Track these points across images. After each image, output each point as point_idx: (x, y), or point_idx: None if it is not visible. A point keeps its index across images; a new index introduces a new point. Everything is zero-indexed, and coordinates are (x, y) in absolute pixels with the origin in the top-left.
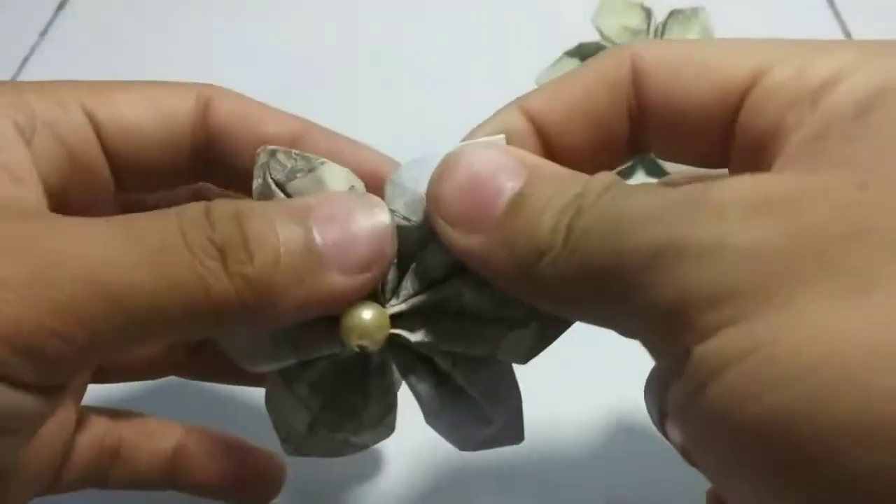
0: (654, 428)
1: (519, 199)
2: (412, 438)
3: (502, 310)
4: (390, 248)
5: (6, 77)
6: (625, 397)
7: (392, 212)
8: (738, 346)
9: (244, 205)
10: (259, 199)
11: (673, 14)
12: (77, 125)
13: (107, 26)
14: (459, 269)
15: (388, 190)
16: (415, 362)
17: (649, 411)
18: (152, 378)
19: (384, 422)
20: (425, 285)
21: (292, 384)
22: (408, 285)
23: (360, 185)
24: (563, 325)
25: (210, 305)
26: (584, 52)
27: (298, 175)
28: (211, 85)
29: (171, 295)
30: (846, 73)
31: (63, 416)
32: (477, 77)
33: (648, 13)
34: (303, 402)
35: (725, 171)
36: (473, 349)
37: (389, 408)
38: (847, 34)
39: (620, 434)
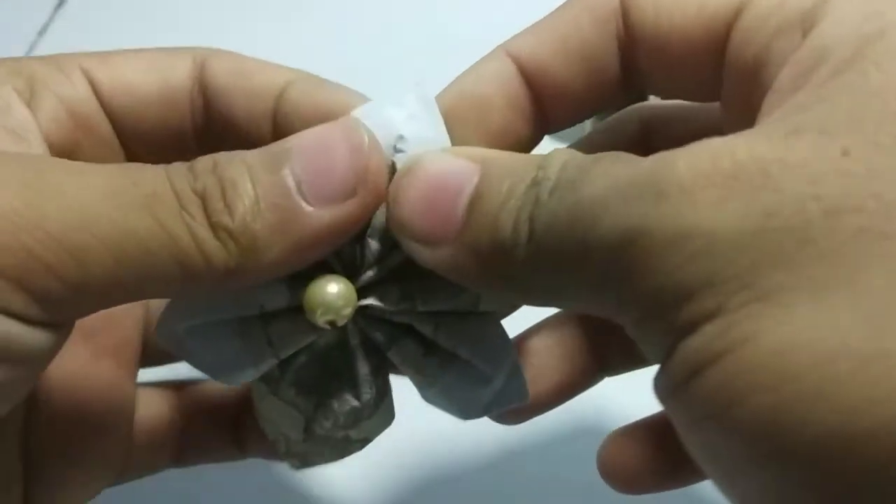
0: None
1: (476, 201)
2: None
3: None
4: (376, 164)
5: None
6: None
7: None
8: (719, 343)
9: (223, 155)
10: None
11: None
12: (77, 85)
13: (105, 25)
14: None
15: None
16: (395, 335)
17: None
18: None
19: (381, 408)
20: (389, 247)
21: (278, 390)
22: (370, 253)
23: None
24: None
25: (199, 258)
26: None
27: None
28: (207, 47)
29: (162, 243)
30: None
31: (119, 395)
32: None
33: None
34: (292, 406)
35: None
36: (455, 301)
37: (383, 392)
38: None
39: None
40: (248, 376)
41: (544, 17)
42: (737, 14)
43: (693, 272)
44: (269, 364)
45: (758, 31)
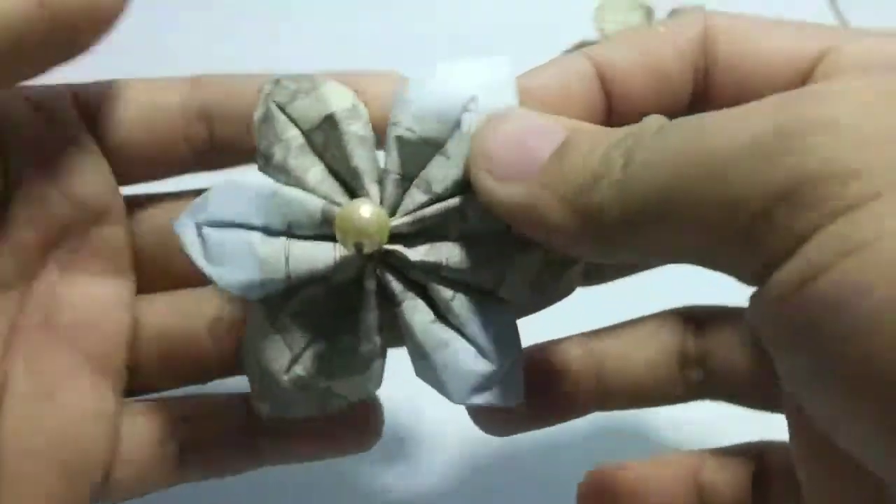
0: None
1: (565, 146)
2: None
3: (509, 234)
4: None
5: None
6: None
7: (395, 123)
8: (860, 235)
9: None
10: (258, 128)
11: (674, 13)
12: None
13: None
14: (467, 186)
15: (395, 101)
16: (411, 289)
17: None
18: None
19: (372, 368)
20: (428, 200)
21: (276, 316)
22: (409, 201)
23: (361, 106)
24: (571, 261)
25: None
26: None
27: (301, 95)
28: (196, 76)
29: None
30: None
31: (98, 417)
32: None
33: (649, 12)
34: (284, 338)
35: None
36: (477, 274)
37: (378, 351)
38: None
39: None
40: (254, 289)
41: (625, 33)
42: (825, 53)
43: (846, 158)
44: (278, 282)
45: (845, 68)
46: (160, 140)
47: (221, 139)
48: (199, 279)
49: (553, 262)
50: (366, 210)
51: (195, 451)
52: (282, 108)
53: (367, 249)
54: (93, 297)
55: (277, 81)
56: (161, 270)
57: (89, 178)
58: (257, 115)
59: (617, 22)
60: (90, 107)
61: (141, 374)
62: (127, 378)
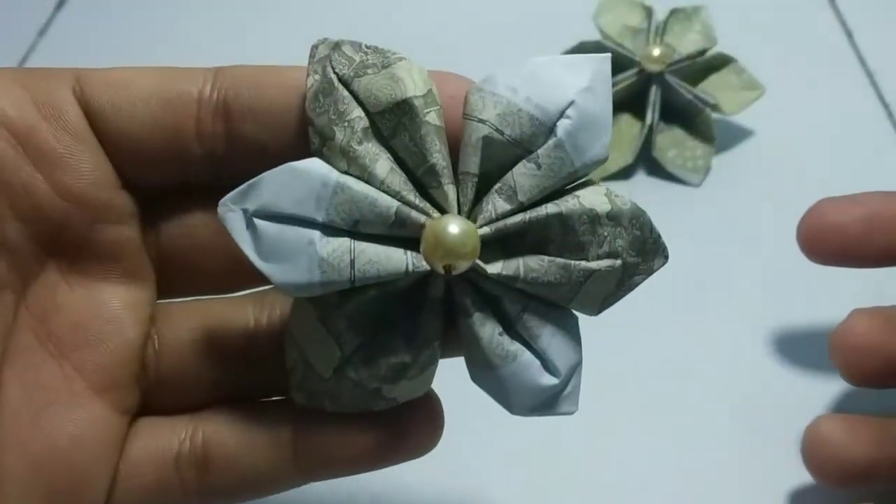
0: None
1: None
2: None
3: (591, 246)
4: None
5: None
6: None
7: (481, 121)
8: None
9: None
10: (314, 100)
11: (674, 13)
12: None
13: (106, 25)
14: (553, 194)
15: (475, 99)
16: (480, 303)
17: None
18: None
19: (427, 371)
20: (512, 210)
21: (328, 317)
22: (490, 208)
23: (436, 89)
24: (644, 273)
25: None
26: (584, 51)
27: (369, 71)
28: (216, 67)
29: None
30: None
31: (97, 416)
32: (477, 76)
33: (649, 12)
34: (336, 338)
35: None
36: (553, 290)
37: (435, 357)
38: (848, 33)
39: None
40: (312, 290)
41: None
42: None
43: None
44: (339, 286)
45: None
46: (168, 135)
47: (239, 137)
48: (231, 284)
49: (627, 276)
50: (457, 228)
51: (219, 474)
52: (345, 83)
53: (457, 272)
54: (95, 303)
55: (337, 46)
56: (189, 275)
57: (84, 170)
58: (312, 83)
59: (616, 22)
60: (93, 95)
61: (162, 391)
62: (140, 394)
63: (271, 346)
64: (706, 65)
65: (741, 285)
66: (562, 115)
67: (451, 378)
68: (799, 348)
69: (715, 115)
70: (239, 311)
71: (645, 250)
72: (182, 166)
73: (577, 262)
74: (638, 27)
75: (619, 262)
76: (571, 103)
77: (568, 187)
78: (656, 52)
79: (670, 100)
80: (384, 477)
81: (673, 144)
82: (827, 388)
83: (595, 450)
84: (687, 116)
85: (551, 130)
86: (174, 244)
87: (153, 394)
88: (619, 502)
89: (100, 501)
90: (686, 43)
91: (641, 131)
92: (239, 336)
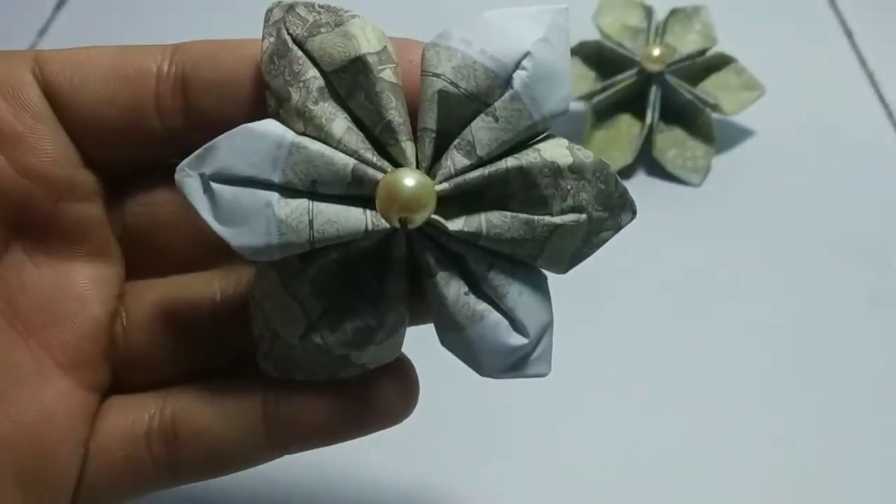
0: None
1: None
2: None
3: (554, 200)
4: None
5: None
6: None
7: (436, 76)
8: None
9: None
10: (269, 62)
11: (674, 12)
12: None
13: (106, 25)
14: (513, 148)
15: (431, 54)
16: (444, 262)
17: None
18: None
19: (394, 336)
20: (471, 165)
21: (291, 282)
22: (449, 163)
23: (391, 47)
24: (612, 228)
25: None
26: (584, 51)
27: (323, 30)
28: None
29: None
30: None
31: (62, 390)
32: None
33: (649, 11)
34: (301, 304)
35: None
36: (518, 246)
37: (402, 320)
38: (848, 33)
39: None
40: (271, 253)
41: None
42: None
43: None
44: (299, 248)
45: None
46: (127, 111)
47: (197, 111)
48: (198, 262)
49: (592, 239)
50: (412, 180)
51: (190, 448)
52: (300, 44)
53: (412, 225)
54: (61, 281)
55: (291, 7)
56: (155, 253)
57: (45, 148)
58: (267, 46)
59: (616, 22)
60: (53, 74)
61: (132, 368)
62: (110, 372)
63: (239, 318)
64: (706, 65)
65: (741, 285)
66: (517, 66)
67: (444, 371)
68: (799, 348)
69: (715, 115)
70: (205, 284)
71: (611, 204)
72: (143, 142)
73: (541, 217)
74: (638, 27)
75: (584, 216)
76: (527, 54)
77: (530, 142)
78: (656, 52)
79: (670, 100)
80: (374, 472)
81: (673, 144)
82: (827, 388)
83: (593, 447)
84: (687, 116)
85: (507, 82)
86: (139, 222)
87: (123, 371)
88: (619, 502)
89: (70, 479)
90: (686, 43)
91: (641, 131)
92: (206, 309)
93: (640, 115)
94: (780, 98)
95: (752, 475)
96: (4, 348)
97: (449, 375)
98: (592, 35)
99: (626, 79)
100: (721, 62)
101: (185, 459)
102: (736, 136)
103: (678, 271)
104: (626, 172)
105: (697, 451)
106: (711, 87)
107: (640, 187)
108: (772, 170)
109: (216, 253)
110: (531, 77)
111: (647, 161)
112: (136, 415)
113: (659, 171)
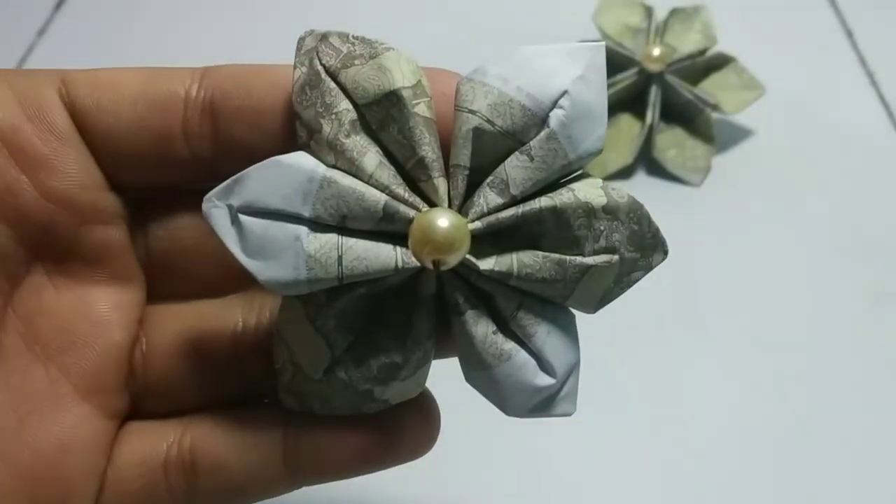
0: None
1: None
2: None
3: (587, 241)
4: None
5: None
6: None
7: (472, 112)
8: None
9: None
10: (301, 92)
11: (674, 12)
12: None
13: (105, 25)
14: (547, 187)
15: (466, 89)
16: (473, 300)
17: None
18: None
19: (419, 372)
20: (504, 204)
21: (316, 315)
22: (482, 201)
23: (426, 81)
24: (643, 269)
25: None
26: None
27: (357, 62)
28: (205, 67)
29: None
30: None
31: (81, 418)
32: None
33: (649, 11)
34: (326, 338)
35: None
36: (548, 287)
37: (427, 357)
38: (848, 33)
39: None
40: (299, 288)
41: None
42: None
43: None
44: (327, 283)
45: None
46: (155, 136)
47: (226, 138)
48: (220, 287)
49: (625, 273)
50: (446, 221)
51: (208, 479)
52: (332, 75)
53: (445, 267)
54: (82, 306)
55: (324, 37)
56: (177, 277)
57: (70, 172)
58: (299, 76)
59: (616, 21)
60: (79, 96)
61: (151, 394)
62: (129, 398)
63: (260, 348)
64: (706, 65)
65: (741, 285)
66: (555, 105)
67: (447, 380)
68: (799, 347)
69: (715, 115)
70: (227, 312)
71: (643, 245)
72: (169, 167)
73: (573, 258)
74: (638, 27)
75: (616, 257)
76: (564, 93)
77: (563, 180)
78: (656, 51)
79: (670, 100)
80: (378, 479)
81: (673, 144)
82: (827, 388)
83: (594, 453)
84: (687, 116)
85: (544, 121)
86: (163, 246)
87: (142, 397)
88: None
89: None
90: (686, 42)
91: (641, 131)
92: (227, 338)
93: (640, 114)
94: (780, 98)
95: (752, 475)
96: (23, 373)
97: (448, 384)
98: (592, 35)
99: (626, 78)
100: (721, 62)
101: (202, 490)
102: (736, 135)
103: (678, 271)
104: (626, 172)
105: (697, 451)
106: (711, 87)
107: (640, 187)
108: (772, 170)
109: (238, 279)
110: (568, 116)
111: (647, 161)
112: (154, 443)
113: (659, 170)
